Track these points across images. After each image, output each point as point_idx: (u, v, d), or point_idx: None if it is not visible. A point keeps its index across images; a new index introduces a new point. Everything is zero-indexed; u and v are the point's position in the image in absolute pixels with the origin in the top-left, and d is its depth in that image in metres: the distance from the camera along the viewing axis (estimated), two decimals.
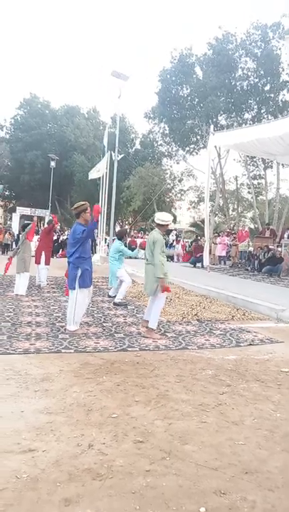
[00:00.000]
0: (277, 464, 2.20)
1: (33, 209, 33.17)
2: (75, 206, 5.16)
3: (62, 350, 4.26)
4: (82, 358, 4.04)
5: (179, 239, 21.95)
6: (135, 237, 23.11)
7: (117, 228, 26.76)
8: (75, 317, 5.00)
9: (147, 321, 5.32)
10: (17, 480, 2.00)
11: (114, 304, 7.22)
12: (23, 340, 4.60)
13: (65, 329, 5.11)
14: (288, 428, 2.62)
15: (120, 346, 4.50)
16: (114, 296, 7.54)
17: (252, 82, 22.76)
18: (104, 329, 5.29)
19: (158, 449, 2.32)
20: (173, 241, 21.01)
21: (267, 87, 22.64)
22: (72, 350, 4.29)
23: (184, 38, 60.29)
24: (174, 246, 19.79)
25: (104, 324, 5.58)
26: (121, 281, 7.46)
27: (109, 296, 7.89)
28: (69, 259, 5.08)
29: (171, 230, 23.04)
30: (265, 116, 22.96)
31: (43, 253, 9.09)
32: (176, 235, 22.73)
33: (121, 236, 8.20)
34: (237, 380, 3.51)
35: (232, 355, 4.27)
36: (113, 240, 12.14)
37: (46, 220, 16.54)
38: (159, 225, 5.19)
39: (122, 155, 20.01)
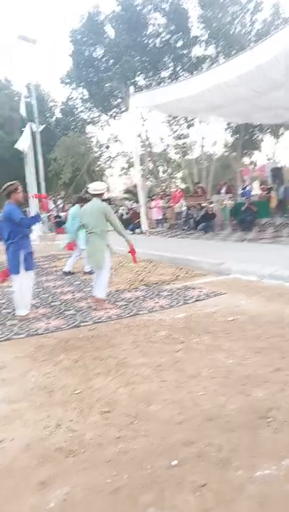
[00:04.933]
0: (234, 407, 2.38)
1: None
2: (4, 187, 4.87)
3: (14, 337, 4.15)
4: (35, 341, 3.97)
5: None
6: None
7: (51, 205, 25.87)
8: (23, 301, 4.86)
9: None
10: None
11: (64, 272, 7.68)
12: None
13: (13, 315, 4.95)
14: (241, 372, 2.83)
15: (72, 323, 4.48)
16: (90, 272, 7.26)
17: (164, 39, 22.47)
18: (53, 309, 5.21)
19: (125, 415, 2.40)
20: None
21: (179, 44, 22.52)
22: (23, 335, 4.19)
23: None
24: None
25: (53, 304, 5.50)
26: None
27: (86, 273, 7.52)
28: (7, 242, 4.81)
29: (108, 199, 22.75)
30: (181, 73, 22.97)
31: None
32: None
33: (80, 201, 7.84)
34: (189, 336, 3.68)
35: (181, 313, 4.45)
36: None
37: None
38: (94, 196, 5.17)
39: (43, 125, 19.01)
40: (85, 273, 7.51)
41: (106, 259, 5.08)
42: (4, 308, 5.43)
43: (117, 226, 5.16)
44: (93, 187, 5.26)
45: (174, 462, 1.91)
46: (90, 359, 3.36)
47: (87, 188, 5.46)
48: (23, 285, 4.85)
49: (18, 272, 4.81)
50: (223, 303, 4.73)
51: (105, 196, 5.42)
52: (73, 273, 7.72)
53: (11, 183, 4.98)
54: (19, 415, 2.52)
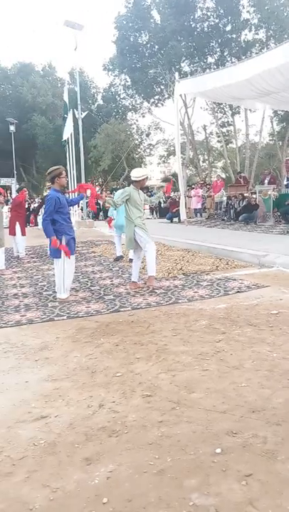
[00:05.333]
0: (280, 400, 2.33)
1: None
2: (49, 171, 4.97)
3: (55, 318, 4.26)
4: (76, 323, 4.06)
5: None
6: None
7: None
8: (64, 285, 4.95)
9: (135, 283, 5.35)
10: (35, 447, 2.04)
11: (116, 258, 7.75)
12: (12, 312, 4.56)
13: (54, 297, 5.08)
14: (286, 366, 2.75)
15: (112, 308, 4.53)
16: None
17: (212, 23, 21.85)
18: (92, 293, 5.30)
19: (166, 401, 2.41)
20: None
21: (228, 28, 21.81)
22: (64, 317, 4.29)
23: None
24: None
25: (92, 288, 5.58)
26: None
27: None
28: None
29: (146, 188, 22.68)
30: (229, 59, 22.30)
31: (18, 224, 8.85)
32: None
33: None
34: (231, 327, 3.63)
35: (222, 304, 4.38)
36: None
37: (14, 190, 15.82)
38: (134, 182, 5.23)
39: (86, 112, 19.16)
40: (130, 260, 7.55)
41: (142, 240, 5.20)
42: (45, 291, 5.57)
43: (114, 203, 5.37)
44: (133, 173, 5.34)
45: (218, 450, 1.89)
46: (130, 343, 3.39)
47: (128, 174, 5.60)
48: (64, 269, 4.94)
49: (59, 256, 4.90)
50: (266, 296, 4.61)
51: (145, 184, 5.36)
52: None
53: (56, 167, 5.05)
54: (62, 393, 2.59)
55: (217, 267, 6.49)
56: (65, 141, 18.50)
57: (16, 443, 2.08)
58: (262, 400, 2.33)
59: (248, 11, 21.29)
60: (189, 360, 2.96)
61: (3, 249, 7.37)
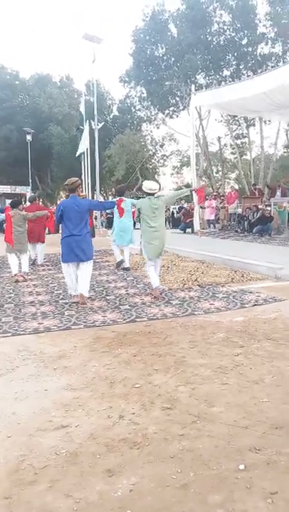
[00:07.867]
0: None
1: (13, 186, 32.44)
2: (72, 181, 5.25)
3: (72, 327, 4.28)
4: (92, 332, 4.07)
5: None
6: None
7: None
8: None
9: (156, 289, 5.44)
10: (57, 456, 2.05)
11: (125, 269, 7.67)
12: (29, 320, 4.60)
13: (70, 306, 5.11)
14: None
15: (128, 318, 4.54)
16: (127, 268, 7.68)
17: (228, 37, 22.08)
18: (108, 302, 5.32)
19: (187, 414, 2.40)
20: None
21: (244, 41, 22.00)
22: (81, 326, 4.31)
23: None
24: None
25: (108, 297, 5.61)
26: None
27: (124, 269, 7.67)
28: (81, 232, 5.18)
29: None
30: (244, 72, 22.45)
31: (37, 231, 8.93)
32: None
33: (122, 192, 7.80)
34: (249, 341, 3.60)
35: (239, 317, 4.36)
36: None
37: (28, 197, 15.96)
38: (148, 194, 5.40)
39: (102, 123, 19.43)
40: (124, 269, 7.70)
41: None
42: (61, 299, 5.61)
43: (171, 197, 6.21)
44: (148, 186, 5.47)
45: (242, 466, 1.88)
46: (148, 354, 3.39)
47: (141, 185, 5.78)
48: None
49: (92, 258, 5.45)
50: (284, 309, 4.57)
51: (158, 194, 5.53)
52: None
53: (77, 179, 5.42)
54: (82, 403, 2.60)
55: (232, 279, 6.46)
56: (80, 154, 18.69)
57: (38, 451, 2.09)
58: (284, 416, 2.30)
59: (264, 25, 21.48)
60: (208, 374, 2.95)
61: (28, 255, 7.73)
